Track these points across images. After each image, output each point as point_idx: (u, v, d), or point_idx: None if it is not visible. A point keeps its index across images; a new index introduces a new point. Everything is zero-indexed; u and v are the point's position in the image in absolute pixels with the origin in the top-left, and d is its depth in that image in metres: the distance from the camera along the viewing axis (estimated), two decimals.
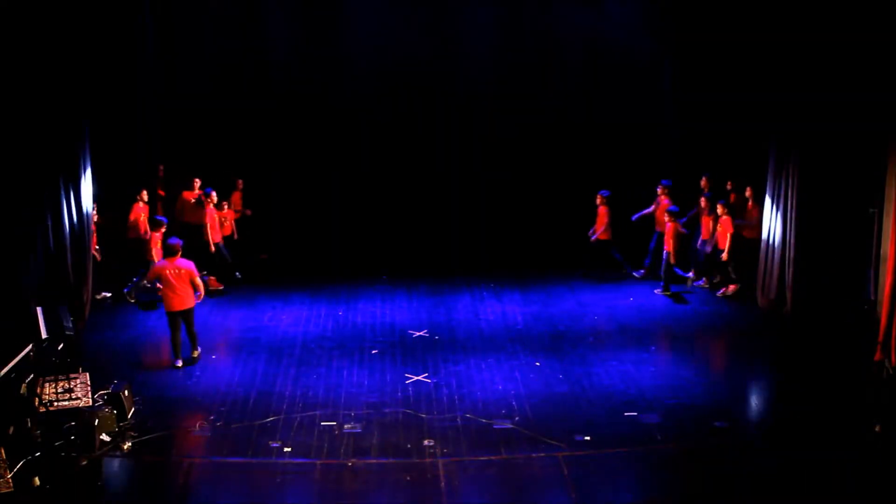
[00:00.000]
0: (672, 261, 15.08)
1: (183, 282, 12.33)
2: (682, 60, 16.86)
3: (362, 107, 17.57)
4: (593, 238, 16.09)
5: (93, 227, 14.36)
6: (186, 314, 12.49)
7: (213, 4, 16.83)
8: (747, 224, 15.14)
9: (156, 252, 14.43)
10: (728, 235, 14.76)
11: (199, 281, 12.49)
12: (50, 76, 12.76)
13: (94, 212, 14.49)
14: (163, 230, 14.50)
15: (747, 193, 15.35)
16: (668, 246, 15.03)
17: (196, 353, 12.65)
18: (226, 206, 16.19)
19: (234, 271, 16.05)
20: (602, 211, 15.88)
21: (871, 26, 11.90)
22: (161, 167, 16.75)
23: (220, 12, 16.83)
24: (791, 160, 13.57)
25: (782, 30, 13.31)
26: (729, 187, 15.90)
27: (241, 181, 17.05)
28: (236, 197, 16.92)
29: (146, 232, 14.91)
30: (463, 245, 17.44)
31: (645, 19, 17.21)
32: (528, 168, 17.58)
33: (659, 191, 15.99)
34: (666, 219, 15.16)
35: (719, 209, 14.87)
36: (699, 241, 15.64)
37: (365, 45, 17.34)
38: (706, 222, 15.41)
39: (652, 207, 16.19)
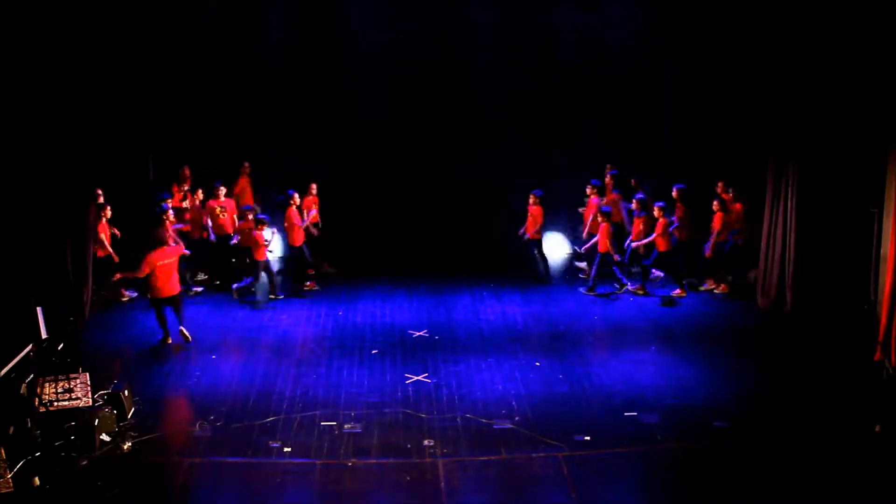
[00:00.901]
0: (613, 258, 14.96)
1: (172, 269, 12.92)
2: (681, 60, 16.93)
3: (361, 107, 17.61)
4: (525, 237, 15.97)
5: (169, 226, 14.50)
6: (175, 300, 12.96)
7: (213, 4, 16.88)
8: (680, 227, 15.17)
9: (261, 251, 14.65)
10: (660, 239, 14.75)
11: (182, 249, 13.41)
12: (50, 76, 12.75)
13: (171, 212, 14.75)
14: (264, 227, 14.68)
15: (674, 195, 15.40)
16: (602, 247, 14.95)
17: (189, 338, 12.98)
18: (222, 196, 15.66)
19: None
20: (535, 211, 15.78)
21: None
22: (247, 164, 16.78)
23: (219, 12, 16.87)
24: (791, 160, 13.56)
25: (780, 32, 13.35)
26: (633, 184, 16.16)
27: (314, 185, 16.27)
28: (308, 202, 16.28)
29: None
30: (463, 245, 17.44)
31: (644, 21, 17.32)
32: (528, 168, 17.58)
33: (588, 191, 15.90)
34: (599, 219, 15.09)
35: (656, 212, 14.82)
36: (626, 242, 15.57)
37: (364, 44, 17.38)
38: (636, 223, 15.36)
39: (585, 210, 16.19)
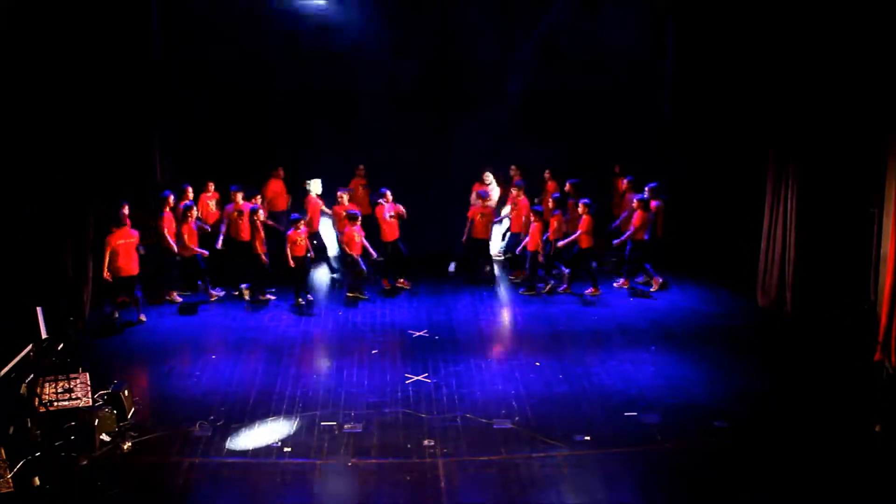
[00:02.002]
0: (541, 259, 15.06)
1: (131, 249, 13.76)
2: (681, 60, 16.94)
3: (361, 109, 17.64)
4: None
5: (259, 225, 14.76)
6: (131, 281, 13.72)
7: (214, 16, 16.89)
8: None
9: (354, 246, 14.78)
10: (584, 236, 14.90)
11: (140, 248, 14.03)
12: (52, 75, 12.75)
13: (261, 209, 15.03)
14: (358, 223, 14.81)
15: (567, 188, 15.76)
16: (532, 245, 15.02)
17: (143, 317, 13.94)
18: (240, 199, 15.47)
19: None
20: (488, 211, 16.05)
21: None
22: (362, 167, 16.98)
23: (220, 25, 16.90)
24: (791, 160, 13.56)
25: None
26: (546, 176, 16.55)
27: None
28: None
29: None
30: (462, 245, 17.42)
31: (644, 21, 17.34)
32: (529, 168, 17.58)
33: (514, 192, 16.01)
34: (532, 219, 15.15)
35: (581, 208, 14.93)
36: (544, 239, 15.59)
37: (365, 48, 17.43)
38: (552, 221, 15.39)
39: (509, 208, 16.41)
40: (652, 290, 15.32)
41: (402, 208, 15.64)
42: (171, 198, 14.87)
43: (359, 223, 14.85)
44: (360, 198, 16.70)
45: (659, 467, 9.72)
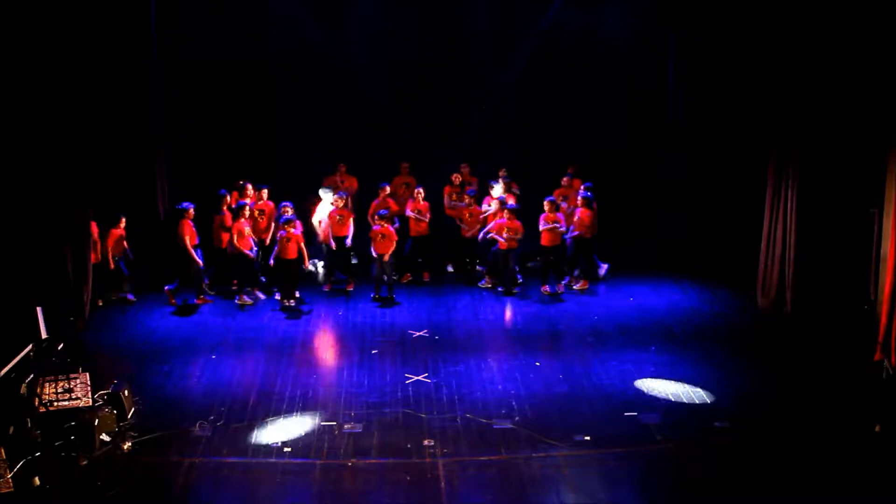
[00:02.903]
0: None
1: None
2: (683, 58, 16.96)
3: (362, 105, 17.66)
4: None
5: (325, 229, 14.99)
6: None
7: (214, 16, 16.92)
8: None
9: (376, 245, 14.80)
10: (545, 234, 14.97)
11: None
12: (56, 74, 12.76)
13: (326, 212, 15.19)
14: (384, 222, 14.80)
15: (499, 182, 15.96)
16: (505, 245, 15.09)
17: (100, 303, 14.35)
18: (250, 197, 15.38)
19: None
20: (477, 211, 16.15)
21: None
22: (407, 164, 16.88)
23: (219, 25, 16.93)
24: (791, 160, 13.56)
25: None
26: (502, 174, 16.28)
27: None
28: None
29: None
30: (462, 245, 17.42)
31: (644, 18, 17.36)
32: (528, 167, 17.59)
33: (493, 192, 16.06)
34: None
35: (546, 205, 14.97)
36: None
37: (366, 44, 17.45)
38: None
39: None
40: (577, 287, 15.38)
41: (426, 210, 15.72)
42: (229, 197, 14.85)
43: (385, 222, 14.80)
44: (400, 196, 16.56)
45: (659, 467, 9.72)
